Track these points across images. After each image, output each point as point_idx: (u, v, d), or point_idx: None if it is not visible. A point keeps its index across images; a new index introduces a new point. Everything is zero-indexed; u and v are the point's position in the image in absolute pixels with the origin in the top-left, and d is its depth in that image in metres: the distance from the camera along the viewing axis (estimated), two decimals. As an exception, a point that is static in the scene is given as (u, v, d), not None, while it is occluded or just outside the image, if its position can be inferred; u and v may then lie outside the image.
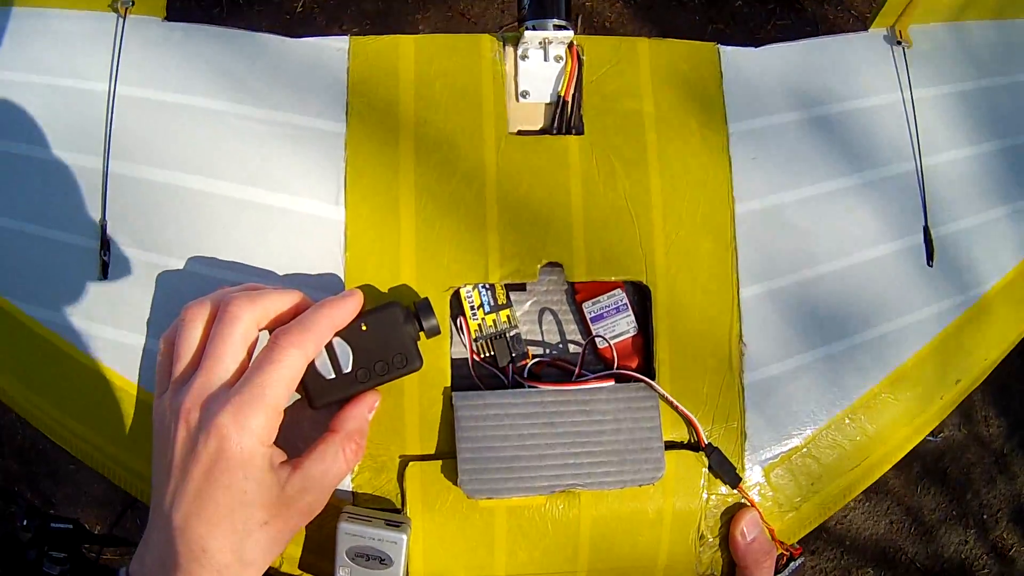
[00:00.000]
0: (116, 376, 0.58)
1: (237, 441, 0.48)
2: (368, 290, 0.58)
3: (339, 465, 0.53)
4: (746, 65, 0.66)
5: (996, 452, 1.82)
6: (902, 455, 0.67)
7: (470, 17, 1.87)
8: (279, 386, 0.50)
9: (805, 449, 0.62)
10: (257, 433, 0.49)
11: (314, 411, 0.55)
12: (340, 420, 0.54)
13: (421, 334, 0.56)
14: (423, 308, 0.56)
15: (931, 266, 0.66)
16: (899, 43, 0.69)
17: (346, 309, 0.54)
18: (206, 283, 0.58)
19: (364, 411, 0.55)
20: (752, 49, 0.67)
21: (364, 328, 0.54)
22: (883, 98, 0.68)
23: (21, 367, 0.58)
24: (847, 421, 0.63)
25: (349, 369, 0.54)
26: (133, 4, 0.62)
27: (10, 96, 0.61)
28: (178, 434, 0.49)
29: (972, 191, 0.69)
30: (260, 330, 0.53)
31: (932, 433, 1.86)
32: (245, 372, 0.50)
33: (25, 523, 0.68)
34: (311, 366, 0.53)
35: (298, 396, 0.55)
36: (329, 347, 0.53)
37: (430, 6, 1.91)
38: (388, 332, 0.55)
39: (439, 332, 0.56)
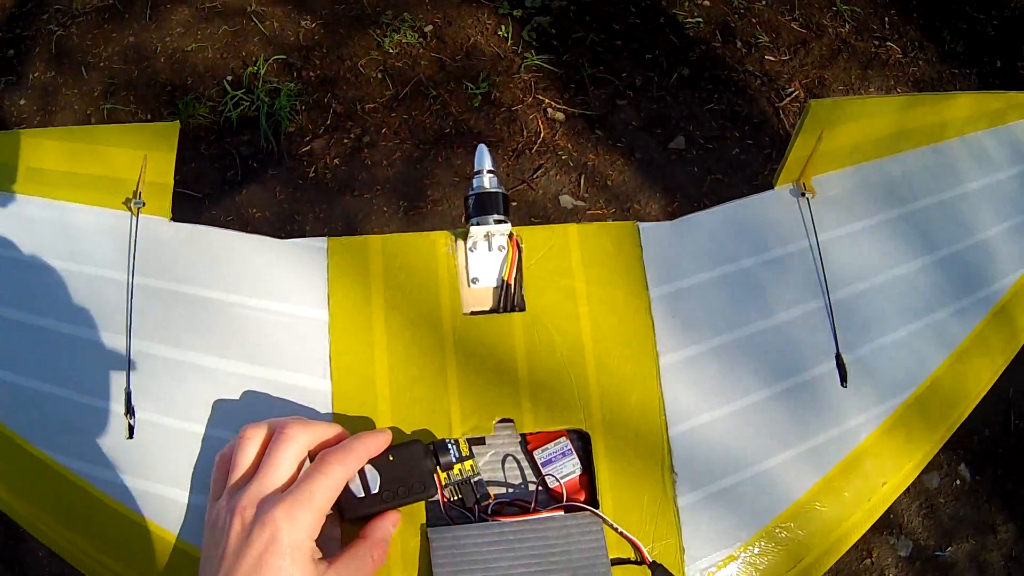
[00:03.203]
0: (140, 518, 0.68)
1: (288, 532, 0.57)
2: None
3: (368, 565, 0.62)
4: (663, 238, 0.77)
5: (1005, 556, 1.83)
6: (839, 555, 0.74)
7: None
8: (326, 493, 0.60)
9: (741, 556, 0.70)
10: (305, 528, 0.58)
11: (344, 525, 0.65)
12: (369, 529, 0.65)
13: (437, 468, 0.68)
14: (440, 447, 0.68)
15: (845, 387, 0.75)
16: (803, 195, 0.80)
17: (379, 441, 0.66)
18: (219, 444, 0.68)
19: (388, 524, 0.66)
20: (666, 223, 0.78)
21: (391, 459, 0.66)
22: (792, 247, 0.79)
23: (57, 508, 0.68)
24: (777, 529, 0.71)
25: (376, 490, 0.65)
26: (144, 205, 0.75)
27: (45, 281, 0.73)
28: (232, 527, 0.58)
29: (885, 313, 0.78)
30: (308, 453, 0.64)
31: (939, 548, 1.84)
32: (296, 481, 0.60)
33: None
34: (345, 486, 0.64)
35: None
36: (361, 472, 0.65)
37: (438, 173, 1.96)
38: (411, 463, 0.67)
39: (452, 468, 0.69)
